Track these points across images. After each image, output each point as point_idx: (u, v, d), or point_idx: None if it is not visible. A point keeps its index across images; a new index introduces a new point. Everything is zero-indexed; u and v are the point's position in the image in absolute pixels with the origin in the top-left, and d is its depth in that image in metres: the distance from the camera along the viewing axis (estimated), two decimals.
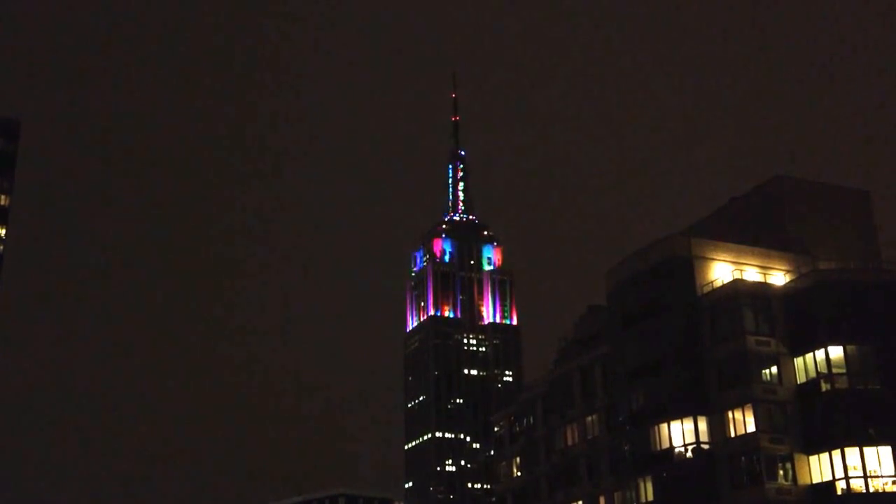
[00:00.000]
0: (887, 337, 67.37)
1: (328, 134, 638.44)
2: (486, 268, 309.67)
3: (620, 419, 76.67)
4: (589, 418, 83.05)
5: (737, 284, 70.50)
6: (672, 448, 69.97)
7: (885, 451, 64.80)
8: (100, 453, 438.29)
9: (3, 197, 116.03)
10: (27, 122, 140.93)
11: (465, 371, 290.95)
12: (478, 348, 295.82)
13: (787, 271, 72.90)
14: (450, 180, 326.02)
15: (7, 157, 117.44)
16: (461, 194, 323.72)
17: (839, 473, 64.65)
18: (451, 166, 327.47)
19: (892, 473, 64.35)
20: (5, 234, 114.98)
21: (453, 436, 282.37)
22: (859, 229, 79.57)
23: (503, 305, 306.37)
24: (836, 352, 66.91)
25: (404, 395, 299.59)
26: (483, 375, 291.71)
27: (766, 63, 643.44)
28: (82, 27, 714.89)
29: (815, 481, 65.81)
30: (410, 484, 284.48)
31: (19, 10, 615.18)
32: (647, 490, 71.95)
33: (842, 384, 66.43)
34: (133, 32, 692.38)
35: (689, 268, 72.65)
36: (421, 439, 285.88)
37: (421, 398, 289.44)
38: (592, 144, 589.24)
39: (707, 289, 71.79)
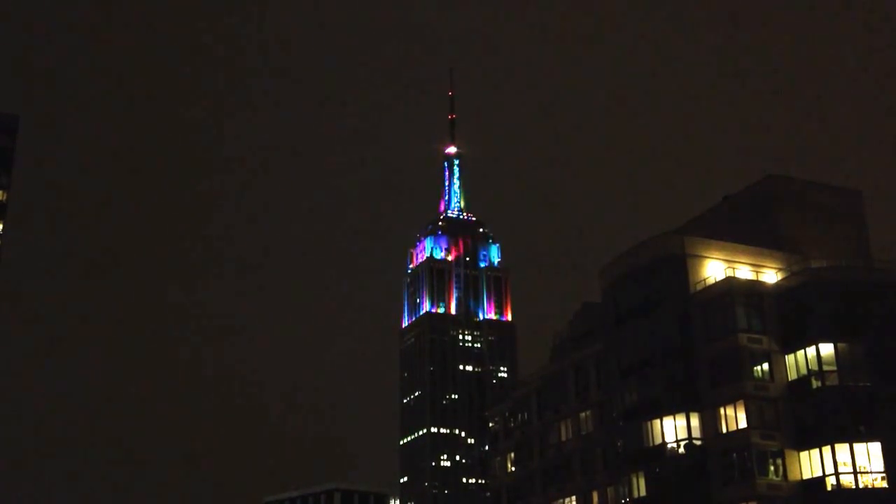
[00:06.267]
0: (877, 335, 68.23)
1: (325, 132, 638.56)
2: (482, 265, 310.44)
3: (614, 415, 77.42)
4: (583, 414, 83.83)
5: (729, 282, 71.23)
6: (665, 444, 70.73)
7: (875, 447, 65.63)
8: (96, 450, 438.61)
9: (0, 193, 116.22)
10: (25, 118, 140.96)
11: (461, 367, 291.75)
12: (473, 344, 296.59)
13: (779, 269, 73.62)
14: (446, 178, 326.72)
15: (5, 153, 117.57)
16: (457, 192, 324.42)
17: (829, 469, 65.51)
18: (447, 164, 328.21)
19: (882, 469, 65.18)
20: (3, 230, 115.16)
21: (448, 431, 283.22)
22: (851, 228, 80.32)
23: (498, 302, 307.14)
24: (827, 349, 67.70)
25: (400, 390, 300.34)
26: (478, 371, 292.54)
27: (760, 63, 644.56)
28: (80, 23, 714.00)
29: (805, 477, 66.65)
30: (405, 479, 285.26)
31: (16, 5, 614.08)
32: (640, 485, 72.68)
33: (832, 381, 67.22)
34: (131, 28, 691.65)
35: (683, 266, 73.34)
36: (416, 434, 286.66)
37: (416, 394, 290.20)
38: (587, 143, 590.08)
39: (700, 286, 72.50)
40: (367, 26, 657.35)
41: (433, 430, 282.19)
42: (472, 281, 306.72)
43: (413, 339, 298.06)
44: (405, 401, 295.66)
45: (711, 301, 71.23)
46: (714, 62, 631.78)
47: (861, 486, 64.98)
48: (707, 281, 72.49)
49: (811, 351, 68.01)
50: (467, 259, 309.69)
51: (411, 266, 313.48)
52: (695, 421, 70.09)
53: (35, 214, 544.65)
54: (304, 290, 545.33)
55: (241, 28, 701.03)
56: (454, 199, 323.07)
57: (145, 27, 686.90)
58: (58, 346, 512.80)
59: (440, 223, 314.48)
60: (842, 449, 65.71)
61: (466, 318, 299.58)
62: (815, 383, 67.49)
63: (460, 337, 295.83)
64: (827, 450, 65.95)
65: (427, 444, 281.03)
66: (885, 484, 64.89)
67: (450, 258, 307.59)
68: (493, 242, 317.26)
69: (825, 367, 67.37)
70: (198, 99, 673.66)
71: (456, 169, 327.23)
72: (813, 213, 79.12)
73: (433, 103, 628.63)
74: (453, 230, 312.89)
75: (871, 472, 65.25)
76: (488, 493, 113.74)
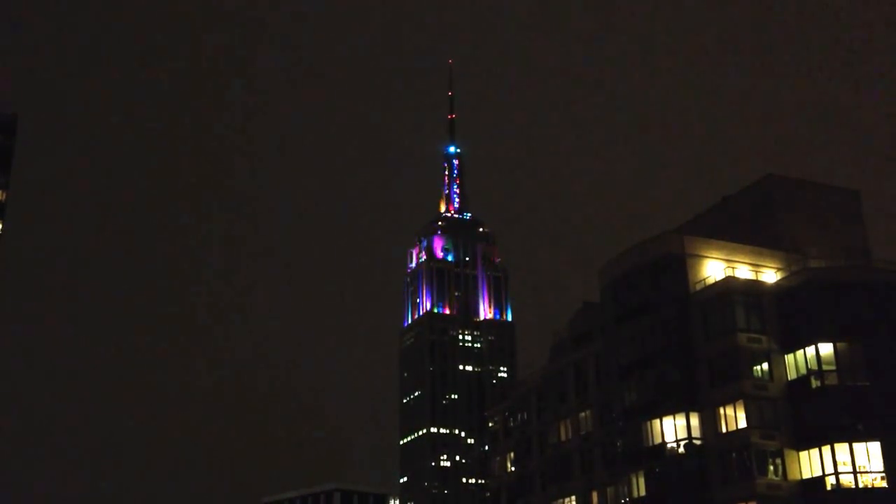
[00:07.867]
0: (876, 334, 68.11)
1: (325, 130, 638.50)
2: (482, 264, 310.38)
3: (613, 415, 77.43)
4: (582, 414, 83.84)
5: (729, 282, 71.23)
6: (664, 443, 70.72)
7: (874, 446, 65.52)
8: (96, 450, 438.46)
9: (0, 192, 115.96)
10: (24, 117, 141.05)
11: (460, 367, 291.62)
12: (473, 344, 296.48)
13: (779, 269, 73.64)
14: (445, 178, 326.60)
15: (3, 153, 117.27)
16: (457, 192, 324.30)
17: (829, 469, 65.44)
18: (446, 164, 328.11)
19: (881, 469, 65.07)
20: (2, 230, 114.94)
21: (448, 431, 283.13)
22: (849, 228, 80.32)
23: (498, 302, 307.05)
24: (826, 348, 67.64)
25: (399, 390, 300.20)
26: (478, 371, 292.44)
27: (759, 63, 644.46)
28: (78, 22, 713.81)
29: (804, 476, 66.61)
30: (405, 479, 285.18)
31: (15, 4, 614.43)
32: (640, 485, 72.67)
33: (832, 381, 67.13)
34: (129, 27, 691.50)
35: (682, 265, 73.36)
36: (416, 434, 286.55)
37: (416, 394, 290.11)
38: (587, 142, 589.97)
39: (699, 286, 72.51)
40: (366, 26, 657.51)
41: (433, 430, 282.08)
42: (471, 281, 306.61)
43: (413, 339, 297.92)
44: (405, 401, 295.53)
45: (711, 301, 71.24)
46: (714, 62, 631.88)
47: (860, 485, 64.85)
48: (706, 281, 72.50)
49: (810, 350, 67.98)
50: (467, 259, 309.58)
51: (411, 266, 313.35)
52: (694, 421, 70.08)
53: (35, 214, 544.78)
54: (303, 290, 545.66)
55: (241, 29, 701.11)
56: (454, 199, 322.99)
57: (145, 26, 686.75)
58: (58, 346, 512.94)
59: (440, 223, 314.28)
60: (841, 448, 65.63)
61: (466, 318, 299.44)
62: (815, 383, 67.45)
63: (460, 337, 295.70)
64: (826, 449, 65.88)
65: (427, 444, 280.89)
66: (884, 483, 64.77)
67: (449, 258, 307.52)
68: (493, 242, 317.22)
69: (824, 367, 67.29)
70: (198, 99, 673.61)
71: (456, 169, 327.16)
72: (812, 213, 79.14)
73: (433, 103, 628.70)
74: (453, 230, 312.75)
75: (870, 472, 65.16)
76: (488, 493, 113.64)
